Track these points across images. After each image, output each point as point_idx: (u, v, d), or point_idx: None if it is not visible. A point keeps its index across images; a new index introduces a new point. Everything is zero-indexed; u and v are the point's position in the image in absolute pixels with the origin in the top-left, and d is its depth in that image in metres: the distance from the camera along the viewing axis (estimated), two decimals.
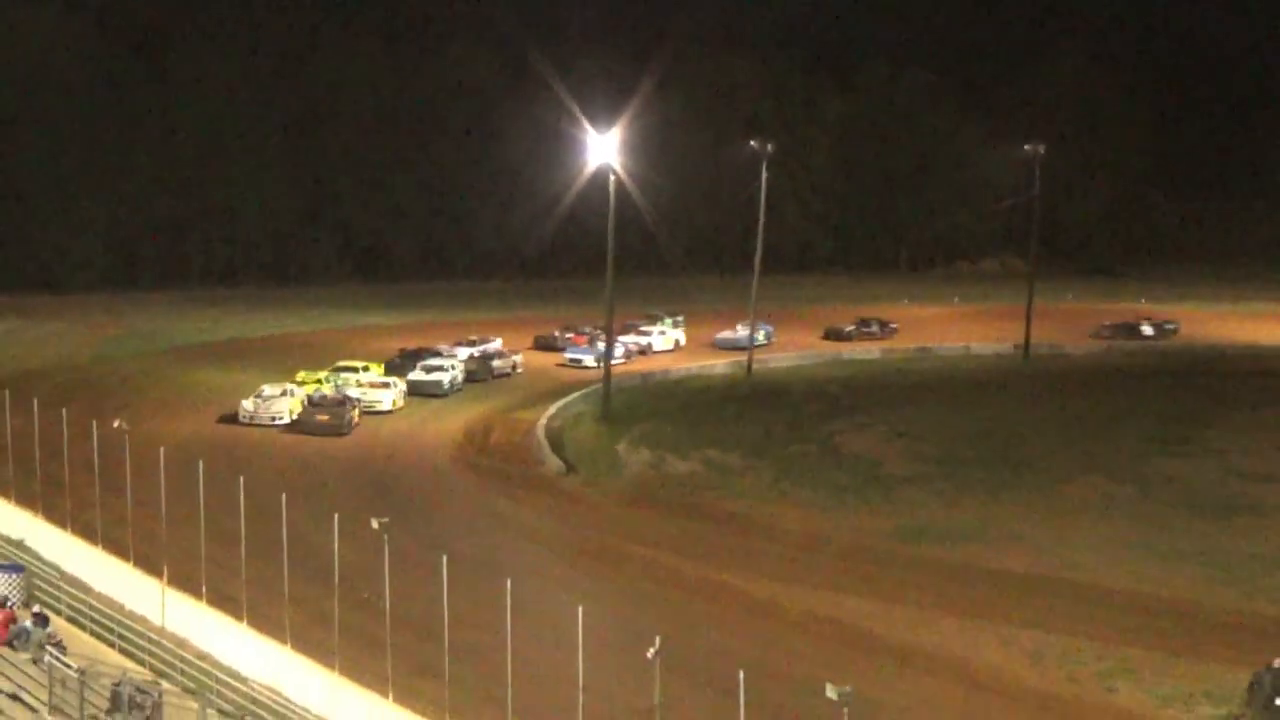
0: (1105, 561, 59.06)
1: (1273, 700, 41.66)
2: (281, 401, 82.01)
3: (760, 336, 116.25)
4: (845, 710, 26.80)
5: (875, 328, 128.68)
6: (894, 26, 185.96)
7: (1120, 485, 72.95)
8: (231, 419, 79.82)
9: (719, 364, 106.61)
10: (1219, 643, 47.23)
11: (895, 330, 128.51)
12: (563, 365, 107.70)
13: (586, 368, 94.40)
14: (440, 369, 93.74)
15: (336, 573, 41.62)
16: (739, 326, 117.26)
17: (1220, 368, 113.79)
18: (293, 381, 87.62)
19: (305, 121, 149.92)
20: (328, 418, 79.64)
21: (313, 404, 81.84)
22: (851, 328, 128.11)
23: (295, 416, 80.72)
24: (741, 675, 29.27)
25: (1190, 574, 57.41)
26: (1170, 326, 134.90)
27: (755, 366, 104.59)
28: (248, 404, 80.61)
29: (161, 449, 49.45)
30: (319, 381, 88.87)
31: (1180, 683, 45.11)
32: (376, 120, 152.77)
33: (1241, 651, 45.17)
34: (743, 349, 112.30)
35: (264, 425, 79.78)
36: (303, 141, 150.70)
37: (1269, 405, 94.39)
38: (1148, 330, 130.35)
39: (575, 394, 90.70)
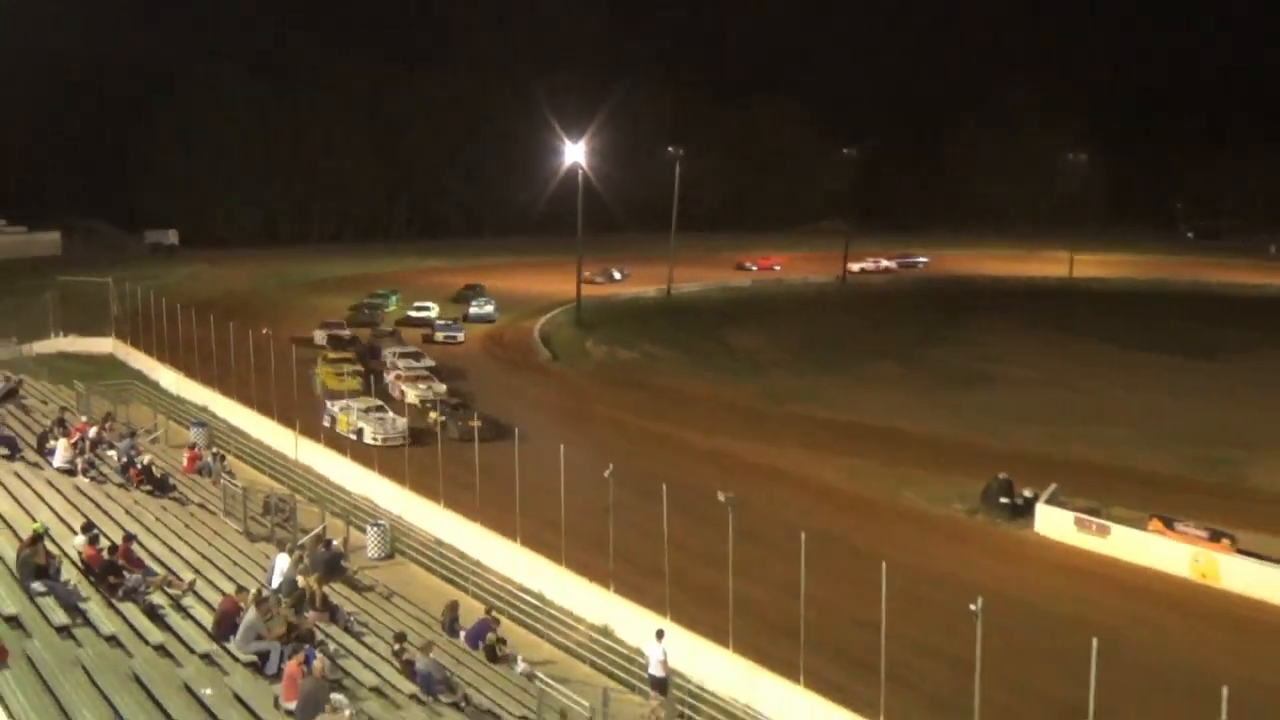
0: (893, 414, 61.63)
1: (998, 499, 43.65)
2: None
3: (617, 275, 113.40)
4: (730, 508, 27.88)
5: (753, 267, 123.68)
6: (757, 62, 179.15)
7: (901, 366, 75.01)
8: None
9: (650, 290, 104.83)
10: (965, 464, 49.24)
11: (778, 269, 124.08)
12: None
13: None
14: (488, 301, 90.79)
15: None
16: (613, 271, 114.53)
17: (969, 289, 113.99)
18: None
19: (384, 131, 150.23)
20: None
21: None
22: (747, 265, 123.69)
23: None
24: (664, 487, 31.64)
25: (946, 421, 60.16)
26: (921, 260, 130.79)
27: (673, 292, 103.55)
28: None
29: (293, 345, 57.16)
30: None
31: (941, 489, 48.05)
32: (430, 127, 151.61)
33: (979, 469, 47.02)
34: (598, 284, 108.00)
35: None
36: (384, 142, 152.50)
37: (1000, 314, 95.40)
38: (888, 264, 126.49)
39: (557, 310, 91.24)
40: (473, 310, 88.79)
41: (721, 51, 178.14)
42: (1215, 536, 39.67)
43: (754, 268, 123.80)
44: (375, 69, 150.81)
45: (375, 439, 49.31)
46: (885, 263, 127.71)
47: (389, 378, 61.21)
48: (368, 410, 51.81)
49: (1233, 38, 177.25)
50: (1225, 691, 19.14)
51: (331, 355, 64.42)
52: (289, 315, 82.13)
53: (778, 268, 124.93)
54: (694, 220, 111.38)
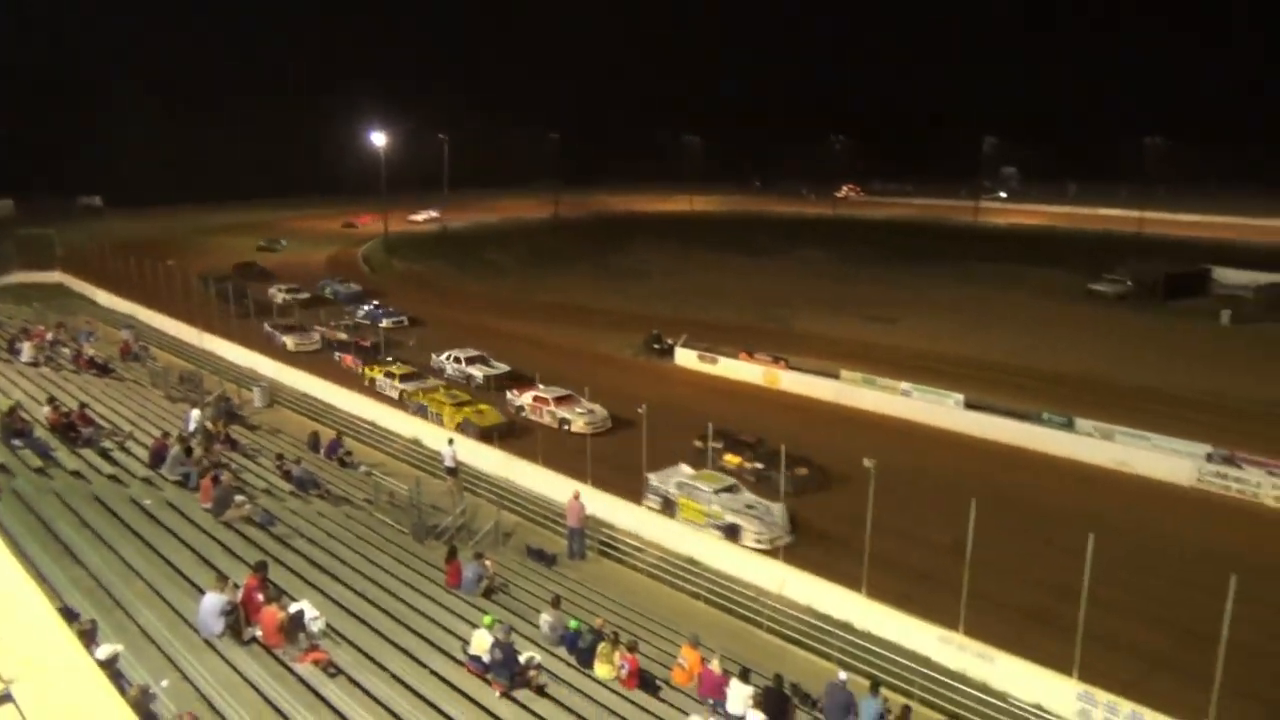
0: (589, 298, 61.18)
1: (652, 346, 44.60)
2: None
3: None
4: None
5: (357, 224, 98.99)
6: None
7: (593, 268, 74.76)
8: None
9: (432, 227, 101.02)
10: (633, 327, 49.55)
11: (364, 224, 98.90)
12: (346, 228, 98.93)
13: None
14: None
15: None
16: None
17: (629, 220, 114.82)
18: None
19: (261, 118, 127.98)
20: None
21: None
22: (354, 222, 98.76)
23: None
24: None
25: (621, 301, 60.11)
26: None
27: (448, 228, 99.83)
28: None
29: (195, 275, 52.38)
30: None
31: (619, 342, 48.39)
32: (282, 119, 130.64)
33: (641, 327, 47.46)
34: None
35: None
36: (264, 122, 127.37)
37: (648, 235, 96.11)
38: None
39: (373, 240, 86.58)
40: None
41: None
42: (776, 360, 41.92)
43: (357, 224, 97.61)
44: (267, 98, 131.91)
45: (759, 541, 23.41)
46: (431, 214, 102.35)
47: (521, 401, 34.69)
48: (737, 499, 24.91)
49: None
50: (785, 448, 20.51)
51: (461, 397, 34.41)
52: (190, 252, 75.23)
53: (362, 224, 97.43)
54: (455, 181, 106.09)
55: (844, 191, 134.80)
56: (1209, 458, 29.59)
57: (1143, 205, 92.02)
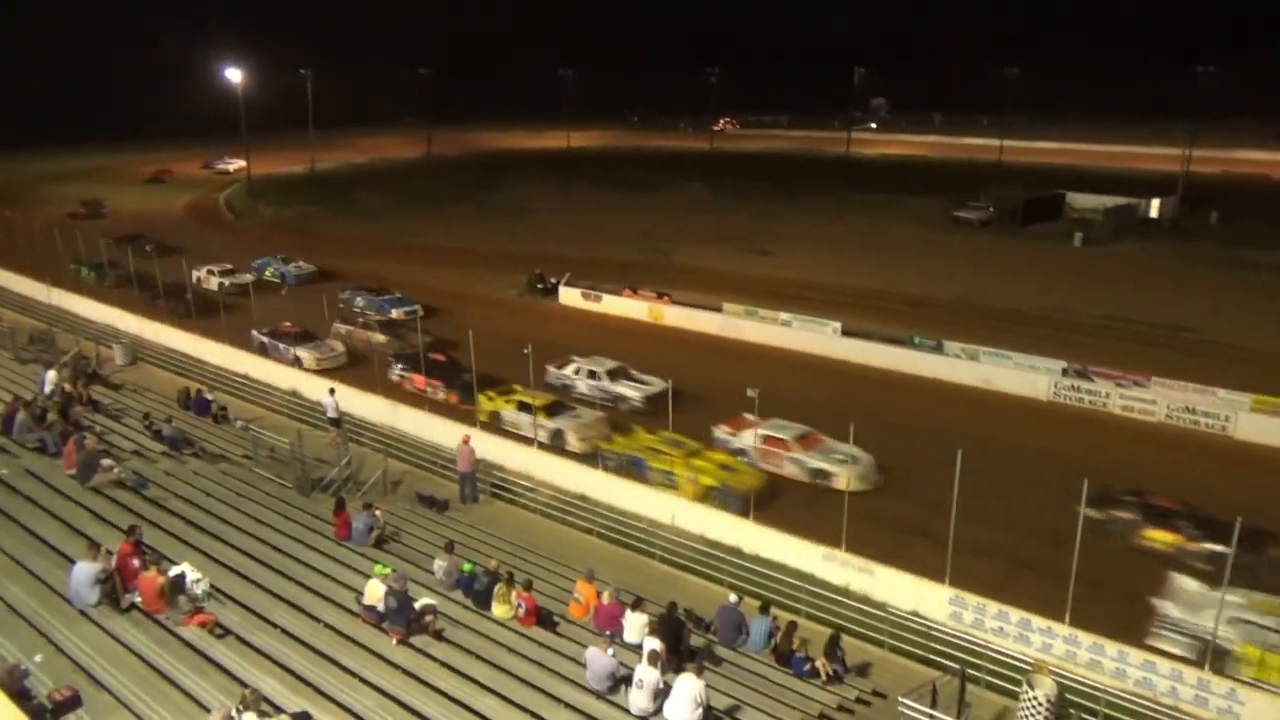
0: (468, 238, 60.28)
1: (535, 285, 44.51)
2: None
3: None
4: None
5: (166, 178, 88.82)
6: None
7: (471, 207, 73.42)
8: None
9: (298, 169, 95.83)
10: (515, 267, 49.12)
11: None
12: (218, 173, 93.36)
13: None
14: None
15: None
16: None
17: (505, 157, 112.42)
18: None
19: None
20: None
21: None
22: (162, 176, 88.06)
23: None
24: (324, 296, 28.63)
25: (502, 240, 59.80)
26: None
27: (316, 168, 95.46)
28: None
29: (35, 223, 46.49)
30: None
31: (502, 282, 48.21)
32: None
33: (523, 267, 47.15)
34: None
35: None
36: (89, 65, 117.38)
37: (527, 172, 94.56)
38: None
39: (235, 185, 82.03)
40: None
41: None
42: (659, 295, 42.27)
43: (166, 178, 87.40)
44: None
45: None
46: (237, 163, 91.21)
47: (741, 443, 24.95)
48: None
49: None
50: (670, 384, 20.70)
51: (688, 444, 24.31)
52: (28, 201, 69.82)
53: (172, 177, 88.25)
54: (320, 120, 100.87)
55: (721, 125, 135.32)
56: (1064, 372, 31.69)
57: (1003, 134, 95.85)
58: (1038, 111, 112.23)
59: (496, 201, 75.65)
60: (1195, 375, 30.29)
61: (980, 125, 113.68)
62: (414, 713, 12.18)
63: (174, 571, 14.10)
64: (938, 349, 34.51)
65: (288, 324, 35.26)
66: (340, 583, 16.07)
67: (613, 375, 30.07)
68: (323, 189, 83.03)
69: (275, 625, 13.86)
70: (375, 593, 14.67)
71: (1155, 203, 64.04)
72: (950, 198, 66.81)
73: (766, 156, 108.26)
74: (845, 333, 36.54)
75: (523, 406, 26.64)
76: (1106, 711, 14.85)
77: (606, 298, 43.17)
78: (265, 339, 34.52)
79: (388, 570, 15.23)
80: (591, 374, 30.20)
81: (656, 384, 28.41)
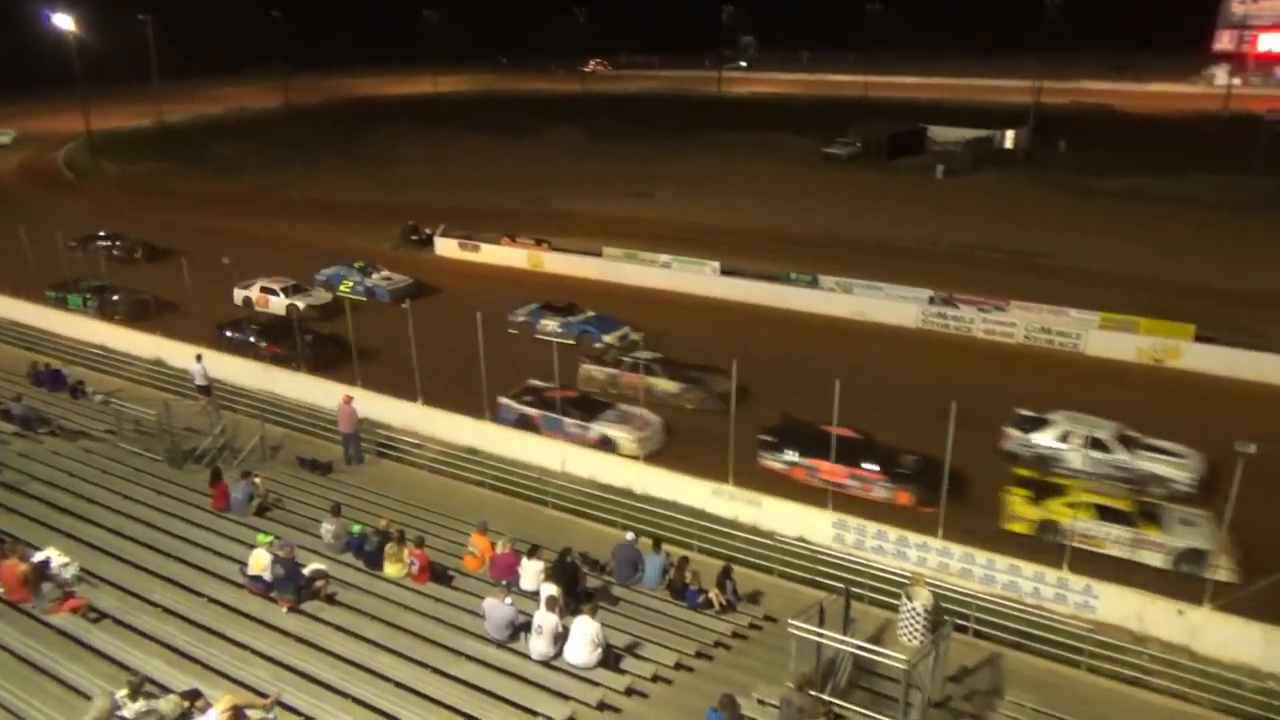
0: (338, 190, 57.94)
1: (409, 237, 43.47)
2: None
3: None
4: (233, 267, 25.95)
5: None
6: None
7: (340, 157, 70.51)
8: None
9: (145, 122, 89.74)
10: (387, 219, 47.66)
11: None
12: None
13: None
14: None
15: None
16: None
17: (370, 105, 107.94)
18: None
19: None
20: None
21: None
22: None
23: None
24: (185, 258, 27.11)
25: (373, 191, 58.16)
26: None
27: (166, 120, 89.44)
28: None
29: None
30: None
31: (376, 235, 46.55)
32: None
33: (396, 218, 45.98)
34: None
35: None
36: None
37: (393, 119, 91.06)
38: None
39: (74, 140, 75.86)
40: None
41: None
42: (539, 242, 41.85)
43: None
44: None
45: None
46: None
47: None
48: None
49: None
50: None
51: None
52: None
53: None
54: (166, 69, 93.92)
55: (592, 66, 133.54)
56: (931, 301, 33.16)
57: (867, 70, 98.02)
58: (900, 47, 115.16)
59: (363, 151, 72.91)
60: (1050, 298, 32.26)
61: (846, 62, 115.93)
62: (310, 679, 11.98)
63: (38, 558, 13.37)
64: (813, 284, 35.56)
65: (551, 385, 23.77)
66: (223, 555, 15.54)
67: (1127, 443, 21.08)
68: (174, 143, 78.12)
69: (156, 604, 13.35)
70: (260, 562, 14.27)
71: (1010, 134, 67.02)
72: (820, 135, 68.12)
73: (639, 98, 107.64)
74: (724, 272, 37.18)
75: (1106, 512, 18.52)
76: (978, 615, 15.91)
77: (485, 247, 42.44)
78: (530, 409, 23.77)
79: (271, 539, 14.83)
80: (1095, 443, 21.13)
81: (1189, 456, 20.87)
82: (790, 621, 12.67)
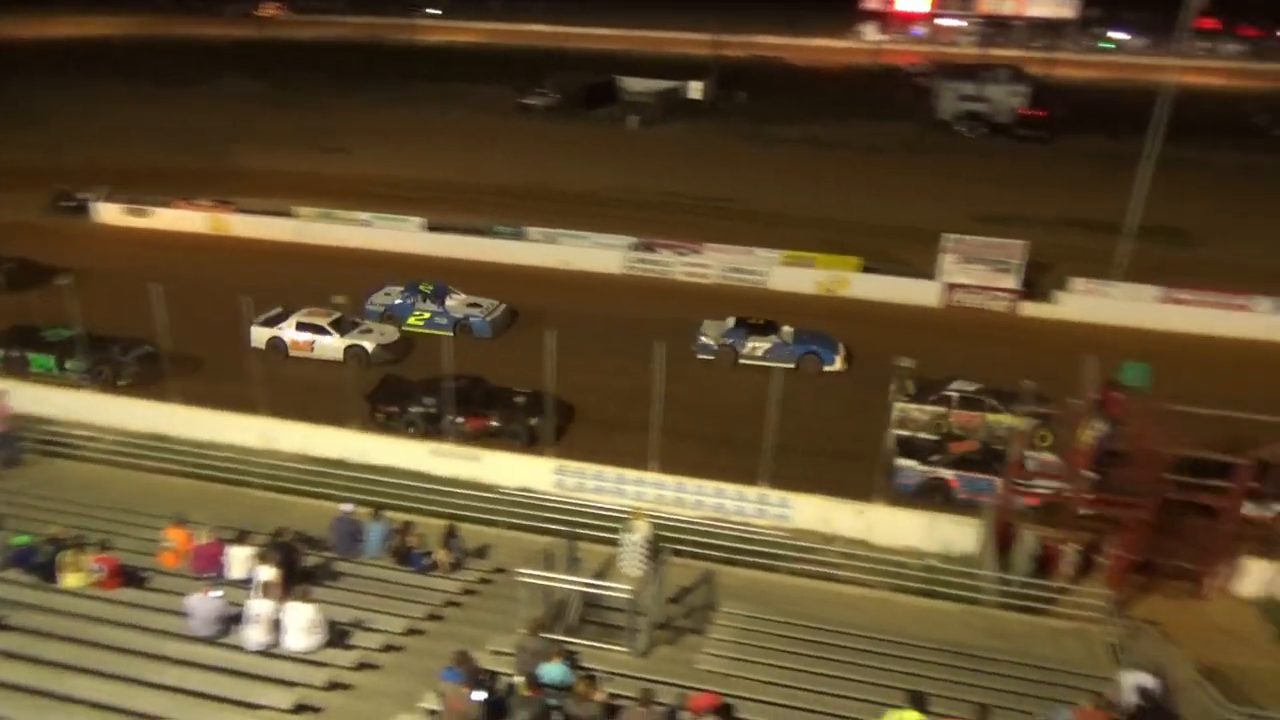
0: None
1: (59, 204, 39.52)
2: None
3: None
4: None
5: None
6: None
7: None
8: None
9: None
10: (27, 183, 41.33)
11: None
12: None
13: None
14: None
15: None
16: None
17: (42, 60, 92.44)
18: None
19: None
20: None
21: None
22: None
23: None
24: None
25: (12, 152, 48.47)
26: None
27: None
28: None
29: None
30: None
31: (22, 200, 39.78)
32: None
33: (41, 183, 39.79)
34: None
35: None
36: None
37: (46, 69, 78.42)
38: None
39: None
40: None
41: None
42: (221, 204, 38.49)
43: None
44: None
45: None
46: None
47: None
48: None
49: None
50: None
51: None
52: None
53: None
54: None
55: (269, 9, 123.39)
56: (632, 247, 34.52)
57: (557, 20, 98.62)
58: None
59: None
60: (739, 239, 34.80)
61: (537, 11, 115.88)
62: None
63: None
64: (518, 235, 35.71)
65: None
66: None
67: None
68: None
69: None
70: None
71: (696, 85, 70.62)
72: (515, 85, 67.82)
73: (325, 45, 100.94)
74: (430, 228, 36.27)
75: None
76: (693, 538, 17.08)
77: (157, 211, 38.23)
78: (942, 469, 19.62)
79: None
80: None
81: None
82: (518, 570, 12.87)
